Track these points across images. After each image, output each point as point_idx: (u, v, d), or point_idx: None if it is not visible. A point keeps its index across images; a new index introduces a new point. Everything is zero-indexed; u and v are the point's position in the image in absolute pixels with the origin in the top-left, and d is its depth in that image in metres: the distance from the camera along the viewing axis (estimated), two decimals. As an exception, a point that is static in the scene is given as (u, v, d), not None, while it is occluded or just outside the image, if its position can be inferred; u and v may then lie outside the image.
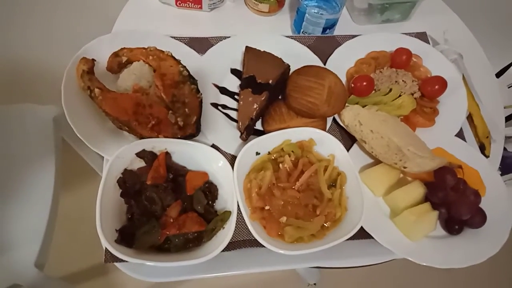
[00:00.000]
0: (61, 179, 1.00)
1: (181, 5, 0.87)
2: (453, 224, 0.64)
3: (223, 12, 0.91)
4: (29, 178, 0.96)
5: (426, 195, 0.66)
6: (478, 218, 0.64)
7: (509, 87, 1.44)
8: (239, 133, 0.71)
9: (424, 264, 0.60)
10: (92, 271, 1.39)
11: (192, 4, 0.87)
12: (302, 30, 0.86)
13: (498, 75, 1.37)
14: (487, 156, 0.77)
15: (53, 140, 1.03)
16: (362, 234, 0.62)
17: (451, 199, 0.64)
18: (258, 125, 0.74)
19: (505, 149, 1.15)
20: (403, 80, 0.78)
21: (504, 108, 1.41)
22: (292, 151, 0.66)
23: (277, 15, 0.92)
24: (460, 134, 0.76)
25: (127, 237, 0.55)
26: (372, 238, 0.62)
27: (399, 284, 1.51)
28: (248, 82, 0.71)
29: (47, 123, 1.05)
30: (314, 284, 1.46)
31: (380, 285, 1.50)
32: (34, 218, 0.91)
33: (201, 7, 0.87)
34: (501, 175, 1.11)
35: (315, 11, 0.81)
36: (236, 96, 0.76)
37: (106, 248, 0.57)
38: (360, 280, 1.48)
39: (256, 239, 0.58)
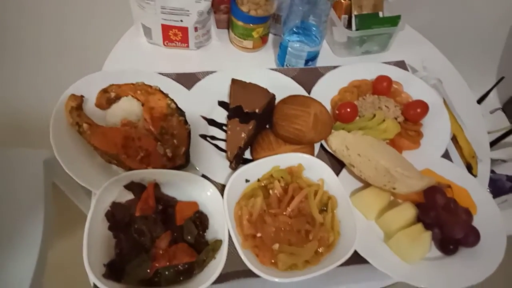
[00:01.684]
0: (52, 226, 0.98)
1: (168, 44, 0.90)
2: (448, 244, 0.64)
3: (209, 50, 0.94)
4: (17, 225, 0.94)
5: (418, 216, 0.66)
6: (472, 237, 0.63)
7: (491, 113, 1.49)
8: (228, 163, 0.71)
9: (423, 286, 0.59)
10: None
11: (179, 43, 0.90)
12: (285, 63, 0.89)
13: (479, 101, 1.42)
14: (474, 176, 0.78)
15: (43, 185, 1.02)
16: (357, 259, 0.61)
17: (443, 219, 0.64)
18: (247, 154, 0.74)
19: (493, 171, 1.17)
20: (386, 106, 0.80)
21: (488, 133, 1.45)
22: (282, 177, 0.66)
23: (261, 51, 0.96)
24: (446, 155, 0.77)
25: (116, 271, 0.53)
26: (368, 263, 0.61)
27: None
28: (235, 112, 0.73)
29: (37, 167, 1.05)
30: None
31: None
32: (20, 265, 0.88)
33: (187, 46, 0.91)
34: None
35: (297, 45, 0.84)
36: (224, 127, 0.77)
37: (94, 284, 0.54)
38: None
39: (249, 269, 0.56)
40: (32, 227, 0.94)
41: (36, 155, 1.07)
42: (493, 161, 1.21)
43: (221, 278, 0.58)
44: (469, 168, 0.78)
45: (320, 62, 0.92)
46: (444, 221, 0.63)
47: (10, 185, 1.00)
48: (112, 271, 0.53)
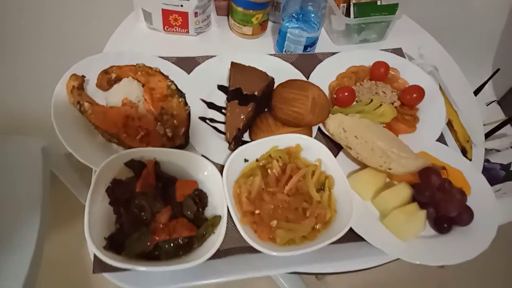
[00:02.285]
0: (49, 214, 0.99)
1: (168, 29, 0.91)
2: (442, 222, 0.65)
3: (209, 36, 0.95)
4: (15, 213, 0.95)
5: (413, 196, 0.67)
6: (466, 215, 0.64)
7: (487, 105, 1.50)
8: (227, 144, 0.72)
9: (417, 262, 0.60)
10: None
11: (179, 29, 0.91)
12: (284, 49, 0.90)
13: (475, 93, 1.43)
14: (469, 160, 0.79)
15: (41, 172, 1.02)
16: (353, 237, 0.62)
17: (438, 198, 0.65)
18: (246, 137, 0.75)
19: (488, 161, 1.19)
20: (382, 91, 0.81)
21: (484, 125, 1.47)
22: (280, 157, 0.67)
23: (260, 38, 0.97)
24: (441, 140, 0.78)
25: (116, 245, 0.54)
26: (364, 240, 0.62)
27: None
28: (234, 94, 0.74)
29: (35, 154, 1.05)
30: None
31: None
32: (18, 253, 0.88)
33: (187, 32, 0.92)
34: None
35: (296, 30, 0.85)
36: (223, 110, 0.78)
37: (94, 256, 0.55)
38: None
39: (247, 245, 0.58)
40: (30, 216, 0.94)
41: (34, 142, 1.08)
42: (488, 151, 1.24)
43: (219, 254, 0.59)
44: (464, 152, 0.80)
45: (318, 50, 0.93)
46: (439, 200, 0.65)
47: (8, 173, 1.01)
48: (113, 244, 0.54)
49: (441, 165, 0.71)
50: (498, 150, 1.21)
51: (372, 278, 1.50)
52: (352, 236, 0.62)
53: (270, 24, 0.99)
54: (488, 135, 1.32)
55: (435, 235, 0.66)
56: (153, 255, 0.55)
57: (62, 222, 1.45)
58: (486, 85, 1.41)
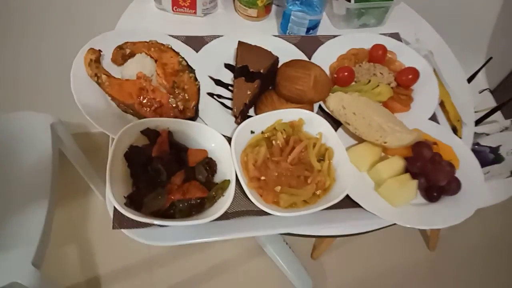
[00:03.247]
0: (57, 189, 1.03)
1: (177, 10, 0.95)
2: (432, 191, 0.70)
3: (215, 18, 0.99)
4: (27, 183, 1.00)
5: (406, 168, 0.73)
6: (454, 185, 0.70)
7: (480, 92, 1.56)
8: (234, 119, 0.77)
9: (408, 226, 0.66)
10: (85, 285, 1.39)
11: (187, 9, 0.95)
12: (288, 31, 0.94)
13: (468, 81, 1.49)
14: (459, 137, 0.84)
15: (51, 146, 1.06)
16: (350, 203, 0.68)
17: (429, 169, 0.71)
18: (251, 112, 0.80)
19: (478, 144, 1.25)
20: (380, 73, 0.86)
21: (475, 112, 1.53)
22: (284, 130, 0.72)
23: (264, 20, 1.01)
24: (434, 118, 0.84)
25: (135, 203, 0.59)
26: (360, 207, 0.68)
27: None
28: (241, 71, 0.78)
29: (44, 130, 1.09)
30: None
31: None
32: (31, 221, 0.94)
33: (195, 12, 0.96)
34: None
35: (300, 13, 0.90)
36: (230, 87, 0.82)
37: (114, 214, 0.61)
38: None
39: (253, 208, 0.63)
40: (41, 185, 0.99)
41: (43, 118, 1.11)
42: (478, 135, 1.29)
43: (227, 215, 0.65)
44: (454, 131, 0.85)
45: (320, 33, 0.97)
46: (429, 171, 0.70)
47: (18, 147, 1.05)
48: (132, 202, 0.59)
49: (432, 141, 0.76)
50: (488, 134, 1.27)
51: (365, 266, 1.57)
52: (349, 203, 0.68)
53: (274, 8, 1.03)
54: (479, 122, 1.38)
55: (425, 203, 0.71)
56: (168, 213, 0.61)
57: (70, 200, 1.51)
58: (479, 73, 1.47)
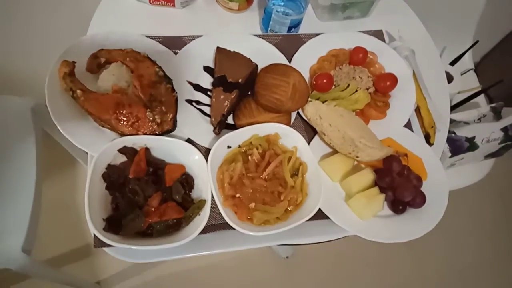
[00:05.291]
0: (43, 168, 1.05)
1: (154, 2, 0.91)
2: (398, 205, 0.75)
3: (195, 10, 0.96)
4: (12, 168, 1.01)
5: (375, 180, 0.76)
6: (419, 200, 0.74)
7: (462, 74, 1.56)
8: (212, 128, 0.78)
9: (372, 240, 0.71)
10: (76, 254, 1.46)
11: (165, 2, 0.91)
12: (269, 29, 0.92)
13: (453, 63, 1.49)
14: (431, 144, 0.87)
15: (33, 130, 1.06)
16: (320, 215, 0.72)
17: (397, 183, 0.74)
18: (230, 120, 0.81)
19: (454, 133, 1.29)
20: (359, 77, 0.86)
21: (458, 93, 1.54)
22: (260, 145, 0.74)
23: (246, 12, 0.98)
24: (408, 125, 0.86)
25: (114, 225, 0.62)
26: (329, 219, 0.72)
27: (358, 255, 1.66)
28: (219, 81, 0.78)
29: (25, 114, 1.09)
30: (287, 257, 1.59)
31: (342, 255, 1.65)
32: (18, 207, 0.97)
33: (173, 5, 0.92)
34: (451, 156, 1.23)
35: (281, 10, 0.87)
36: (209, 92, 0.82)
37: (95, 235, 0.64)
38: (325, 253, 1.63)
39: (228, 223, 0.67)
40: (26, 169, 1.01)
41: (23, 101, 1.11)
42: (457, 123, 1.32)
43: (204, 230, 0.68)
44: (427, 137, 0.88)
45: (303, 27, 0.95)
46: (397, 186, 0.74)
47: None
48: (110, 225, 0.62)
49: (403, 152, 0.79)
50: (466, 123, 1.30)
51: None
52: (319, 215, 0.72)
53: (256, -1, 0.99)
54: (461, 104, 1.41)
55: (390, 215, 0.76)
56: (146, 233, 0.64)
57: (57, 171, 1.53)
58: (466, 55, 1.46)
